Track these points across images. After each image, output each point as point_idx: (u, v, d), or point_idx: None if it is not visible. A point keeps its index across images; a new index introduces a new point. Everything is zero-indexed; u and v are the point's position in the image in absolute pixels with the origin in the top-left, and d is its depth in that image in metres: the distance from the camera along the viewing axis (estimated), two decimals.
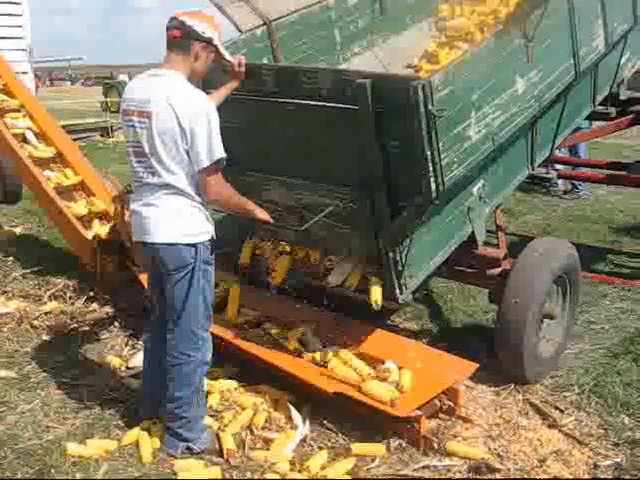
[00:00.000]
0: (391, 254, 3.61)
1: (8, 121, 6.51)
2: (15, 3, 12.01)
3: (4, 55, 7.97)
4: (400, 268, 3.65)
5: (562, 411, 3.89)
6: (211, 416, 3.72)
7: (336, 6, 5.35)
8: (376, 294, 3.77)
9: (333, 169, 3.67)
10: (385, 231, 3.55)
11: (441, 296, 5.52)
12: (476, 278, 4.51)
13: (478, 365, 3.89)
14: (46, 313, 5.18)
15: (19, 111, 6.79)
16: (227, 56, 3.46)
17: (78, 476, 3.28)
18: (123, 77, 32.07)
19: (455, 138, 3.38)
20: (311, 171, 3.81)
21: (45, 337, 4.82)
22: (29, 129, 6.59)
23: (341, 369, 3.78)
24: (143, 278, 4.65)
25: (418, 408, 3.52)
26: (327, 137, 3.60)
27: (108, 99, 23.91)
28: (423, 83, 3.10)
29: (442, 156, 3.26)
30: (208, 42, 3.25)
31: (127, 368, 4.35)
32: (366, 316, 4.23)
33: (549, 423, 3.77)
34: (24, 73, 11.49)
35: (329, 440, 3.60)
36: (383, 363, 3.82)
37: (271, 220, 3.61)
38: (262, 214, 3.55)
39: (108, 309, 5.18)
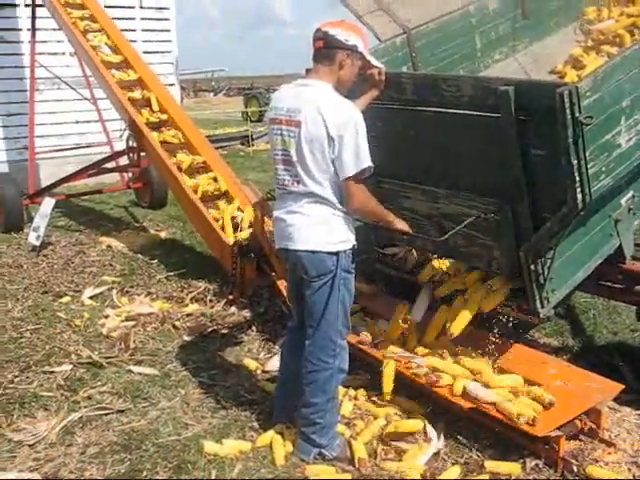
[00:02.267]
0: (533, 267, 3.49)
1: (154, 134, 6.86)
2: (164, 19, 12.67)
3: (154, 68, 8.45)
4: (542, 281, 3.53)
5: None
6: (344, 424, 3.72)
7: (477, 12, 5.27)
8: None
9: (474, 178, 3.59)
10: (527, 243, 3.44)
11: (584, 312, 5.28)
12: (623, 294, 4.28)
13: (623, 386, 3.68)
14: (187, 315, 5.38)
15: (167, 123, 7.12)
16: (374, 62, 3.47)
17: (213, 474, 3.36)
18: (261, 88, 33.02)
19: (603, 147, 3.22)
20: (451, 180, 3.76)
21: (186, 337, 5.01)
22: (175, 137, 6.91)
23: (474, 385, 3.68)
24: (281, 284, 4.75)
25: (557, 428, 3.37)
26: (468, 145, 3.54)
27: (248, 109, 24.68)
28: (570, 89, 2.98)
29: (589, 165, 3.12)
30: (352, 50, 3.27)
31: (263, 371, 4.43)
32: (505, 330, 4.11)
33: None
34: (171, 85, 12.10)
35: (462, 456, 3.51)
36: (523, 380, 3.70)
37: (410, 231, 3.58)
38: (402, 225, 3.53)
39: (246, 313, 5.31)
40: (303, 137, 3.17)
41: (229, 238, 5.67)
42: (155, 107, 7.26)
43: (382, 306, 4.58)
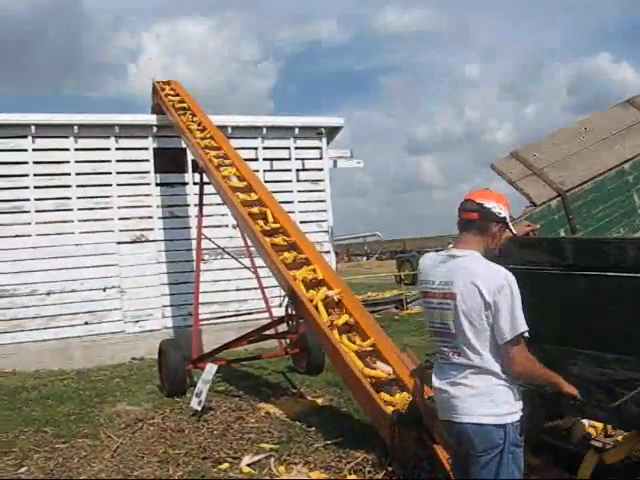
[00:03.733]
0: None
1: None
2: (319, 190, 13.36)
3: (310, 237, 8.80)
4: None
5: None
6: None
7: (632, 170, 5.19)
8: None
9: None
10: None
11: None
12: None
13: None
14: None
15: (326, 287, 7.28)
16: (514, 230, 3.47)
17: None
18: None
19: None
20: (618, 343, 3.56)
21: None
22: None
23: None
24: (442, 455, 4.56)
25: None
26: (634, 309, 3.36)
27: (402, 272, 24.93)
28: None
29: None
30: (503, 222, 3.31)
31: None
32: None
33: None
34: (327, 252, 12.53)
35: None
36: None
37: (578, 395, 3.37)
38: (570, 388, 3.35)
39: None
40: (460, 309, 3.16)
41: (387, 406, 5.56)
42: (313, 274, 7.47)
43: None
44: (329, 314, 6.88)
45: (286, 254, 7.76)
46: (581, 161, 5.17)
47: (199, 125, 10.62)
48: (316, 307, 6.89)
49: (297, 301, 7.06)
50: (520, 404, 3.23)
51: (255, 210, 8.47)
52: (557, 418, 4.19)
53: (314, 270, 7.50)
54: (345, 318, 6.84)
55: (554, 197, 4.71)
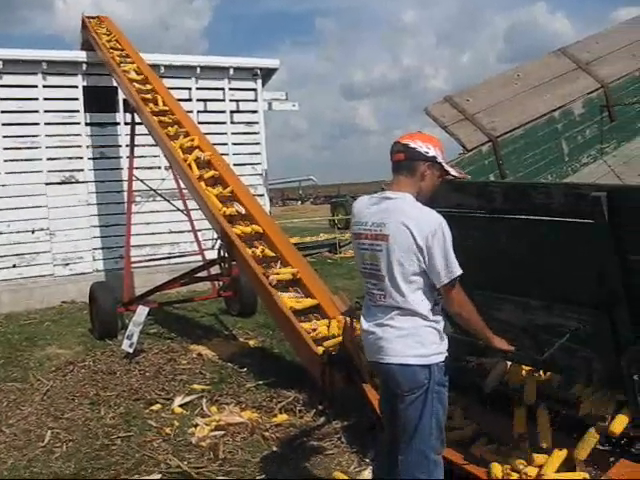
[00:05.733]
0: (636, 377, 3.32)
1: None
2: (254, 133, 13.26)
3: (244, 180, 8.75)
4: None
5: None
6: None
7: (562, 118, 5.29)
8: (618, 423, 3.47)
9: (567, 287, 3.50)
10: (629, 352, 3.29)
11: None
12: None
13: None
14: (277, 425, 5.32)
15: (259, 234, 7.29)
16: (452, 172, 3.48)
17: None
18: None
19: None
20: (543, 289, 3.67)
21: (275, 449, 4.93)
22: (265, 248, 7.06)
23: None
24: (371, 394, 4.66)
25: None
26: (560, 253, 3.46)
27: (335, 217, 25.06)
28: None
29: None
30: (432, 161, 3.29)
31: None
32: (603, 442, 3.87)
33: None
34: (260, 196, 12.50)
35: None
36: None
37: (512, 349, 3.46)
38: (501, 344, 3.42)
39: (336, 424, 5.20)
40: (391, 251, 3.17)
41: (318, 348, 5.65)
42: (242, 210, 7.50)
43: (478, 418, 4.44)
44: (255, 248, 6.98)
45: (216, 190, 7.78)
46: (513, 108, 5.24)
47: (131, 63, 10.32)
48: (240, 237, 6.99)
49: (229, 243, 7.05)
50: (446, 345, 3.29)
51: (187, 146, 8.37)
52: (483, 357, 4.31)
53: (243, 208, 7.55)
54: (269, 252, 6.96)
55: (485, 142, 4.77)
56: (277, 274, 6.55)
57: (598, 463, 3.67)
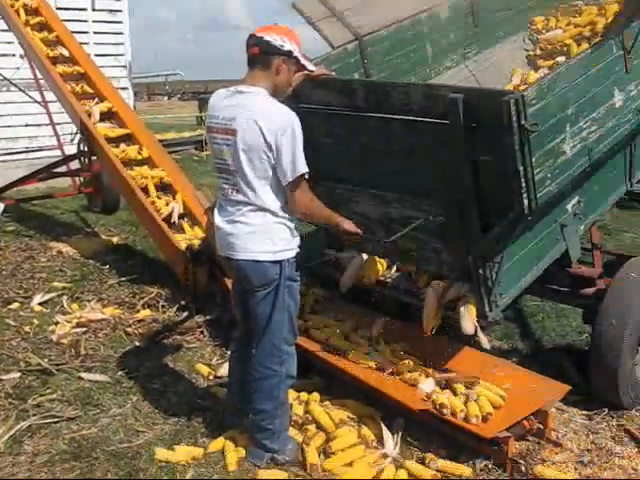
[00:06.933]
0: (481, 271, 3.54)
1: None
2: (117, 22, 12.55)
3: (106, 72, 8.36)
4: (490, 285, 3.58)
5: None
6: (295, 428, 3.73)
7: (428, 20, 5.35)
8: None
9: (423, 183, 3.63)
10: (475, 247, 3.50)
11: (532, 315, 5.38)
12: (569, 297, 4.39)
13: (570, 387, 3.78)
14: (139, 321, 5.33)
15: (121, 129, 7.06)
16: (309, 66, 3.46)
17: None
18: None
19: (549, 153, 3.29)
20: (401, 185, 3.79)
21: (138, 344, 4.96)
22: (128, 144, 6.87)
23: (427, 386, 3.74)
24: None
25: (506, 429, 3.44)
26: (418, 152, 3.57)
27: (203, 113, 24.50)
28: (516, 97, 3.04)
29: (535, 172, 3.18)
30: (288, 55, 3.25)
31: (215, 377, 4.42)
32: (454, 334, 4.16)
33: None
34: (124, 89, 11.97)
35: (415, 458, 3.55)
36: (472, 381, 3.76)
37: (359, 232, 3.58)
38: (349, 226, 3.49)
39: (198, 319, 5.27)
40: (240, 146, 3.15)
41: (181, 243, 5.64)
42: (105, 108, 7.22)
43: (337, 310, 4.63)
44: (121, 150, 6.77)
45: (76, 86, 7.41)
46: (380, 7, 5.23)
47: None
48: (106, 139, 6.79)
49: (90, 137, 6.79)
50: (297, 241, 3.35)
51: (43, 37, 7.84)
52: (338, 252, 4.44)
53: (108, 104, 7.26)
54: (135, 152, 6.79)
55: (351, 41, 4.76)
56: (145, 178, 6.45)
57: None
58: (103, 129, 6.97)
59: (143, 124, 7.49)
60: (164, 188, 6.56)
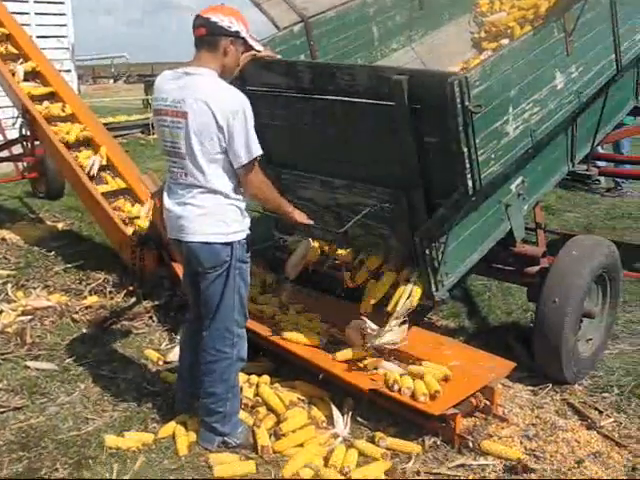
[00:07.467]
0: (427, 251, 3.59)
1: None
2: (59, 2, 12.24)
3: (48, 54, 8.16)
4: (436, 265, 3.63)
5: (601, 412, 3.84)
6: (247, 411, 3.74)
7: (374, 2, 5.34)
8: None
9: (370, 167, 3.65)
10: (421, 228, 3.53)
11: (479, 294, 5.48)
12: (514, 276, 4.46)
13: (515, 364, 3.87)
14: (86, 307, 5.26)
15: (64, 112, 6.91)
16: (257, 46, 3.43)
17: (115, 467, 3.33)
18: None
19: (492, 134, 3.35)
20: (347, 169, 3.80)
21: (85, 331, 4.90)
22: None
23: (376, 366, 3.78)
24: (181, 273, 4.70)
25: (454, 406, 3.50)
26: (363, 134, 3.59)
27: (149, 96, 24.12)
28: (459, 79, 3.07)
29: (479, 153, 3.23)
30: (235, 36, 3.22)
31: (165, 362, 4.40)
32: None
33: (587, 424, 3.72)
34: (67, 71, 11.73)
35: (365, 437, 3.59)
36: (419, 360, 3.82)
37: (310, 222, 3.59)
38: (300, 217, 3.53)
39: (147, 304, 5.23)
40: (190, 128, 3.12)
41: (128, 229, 5.58)
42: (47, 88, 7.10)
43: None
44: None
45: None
46: None
47: None
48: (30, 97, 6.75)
49: (32, 121, 6.64)
50: (247, 223, 3.35)
51: None
52: (288, 236, 4.43)
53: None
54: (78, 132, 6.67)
55: (297, 22, 4.74)
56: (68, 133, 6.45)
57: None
58: (27, 88, 6.92)
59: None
60: (87, 144, 6.63)
